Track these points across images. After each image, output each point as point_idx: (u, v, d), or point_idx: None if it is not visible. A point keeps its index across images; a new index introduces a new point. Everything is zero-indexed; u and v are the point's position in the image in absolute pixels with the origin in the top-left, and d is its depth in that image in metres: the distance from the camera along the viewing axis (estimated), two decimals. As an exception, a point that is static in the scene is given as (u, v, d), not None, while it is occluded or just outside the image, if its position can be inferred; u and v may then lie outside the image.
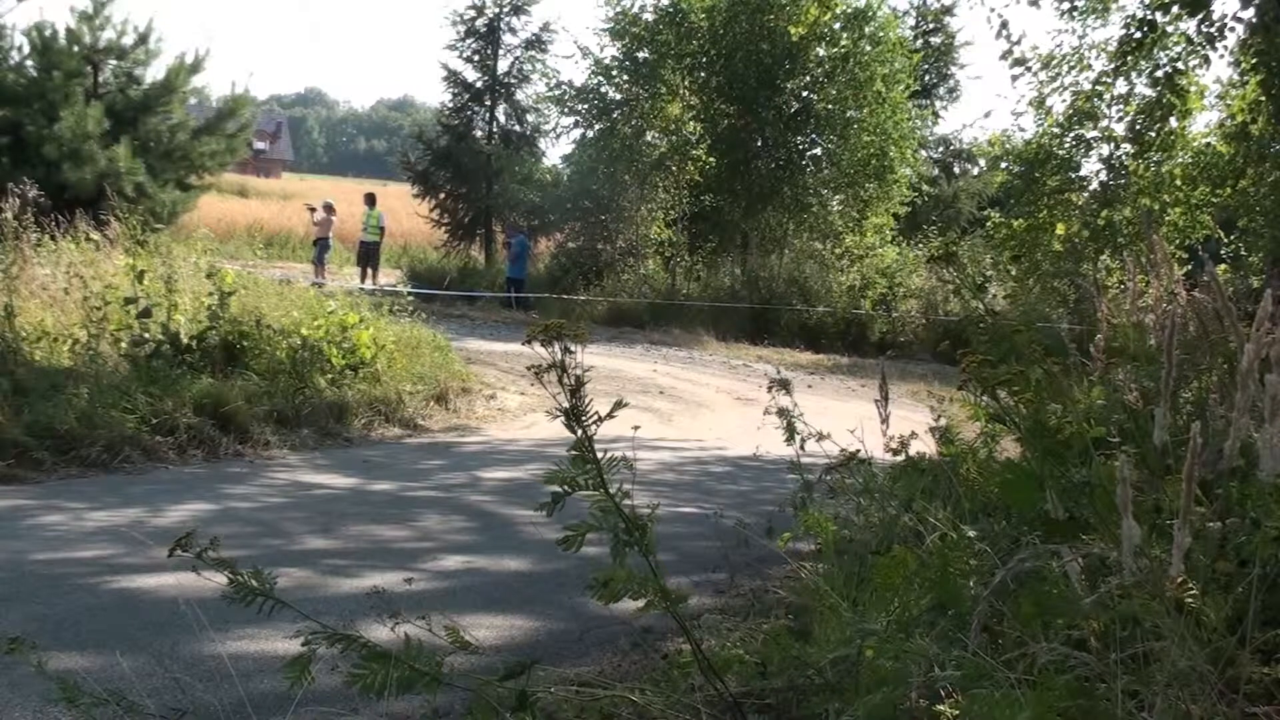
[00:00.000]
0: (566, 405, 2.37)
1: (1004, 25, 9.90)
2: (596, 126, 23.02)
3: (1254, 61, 8.73)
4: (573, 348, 2.36)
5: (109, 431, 7.12)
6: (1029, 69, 10.38)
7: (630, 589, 2.50)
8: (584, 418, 2.38)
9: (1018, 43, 9.96)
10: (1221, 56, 11.17)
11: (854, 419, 4.23)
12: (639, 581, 2.50)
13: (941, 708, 2.27)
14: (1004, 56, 10.11)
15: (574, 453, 2.42)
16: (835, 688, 2.62)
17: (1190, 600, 2.07)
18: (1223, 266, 11.66)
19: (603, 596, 2.51)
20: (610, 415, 2.39)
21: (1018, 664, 2.20)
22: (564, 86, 23.94)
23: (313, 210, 23.79)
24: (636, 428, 2.69)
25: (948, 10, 28.27)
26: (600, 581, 2.50)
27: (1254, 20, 8.60)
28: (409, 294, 11.97)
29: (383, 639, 2.63)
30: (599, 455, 2.42)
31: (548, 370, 2.34)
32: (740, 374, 14.51)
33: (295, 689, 2.47)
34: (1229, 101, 13.35)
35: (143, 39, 15.49)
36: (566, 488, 2.42)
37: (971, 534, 2.78)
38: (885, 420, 3.72)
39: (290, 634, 2.66)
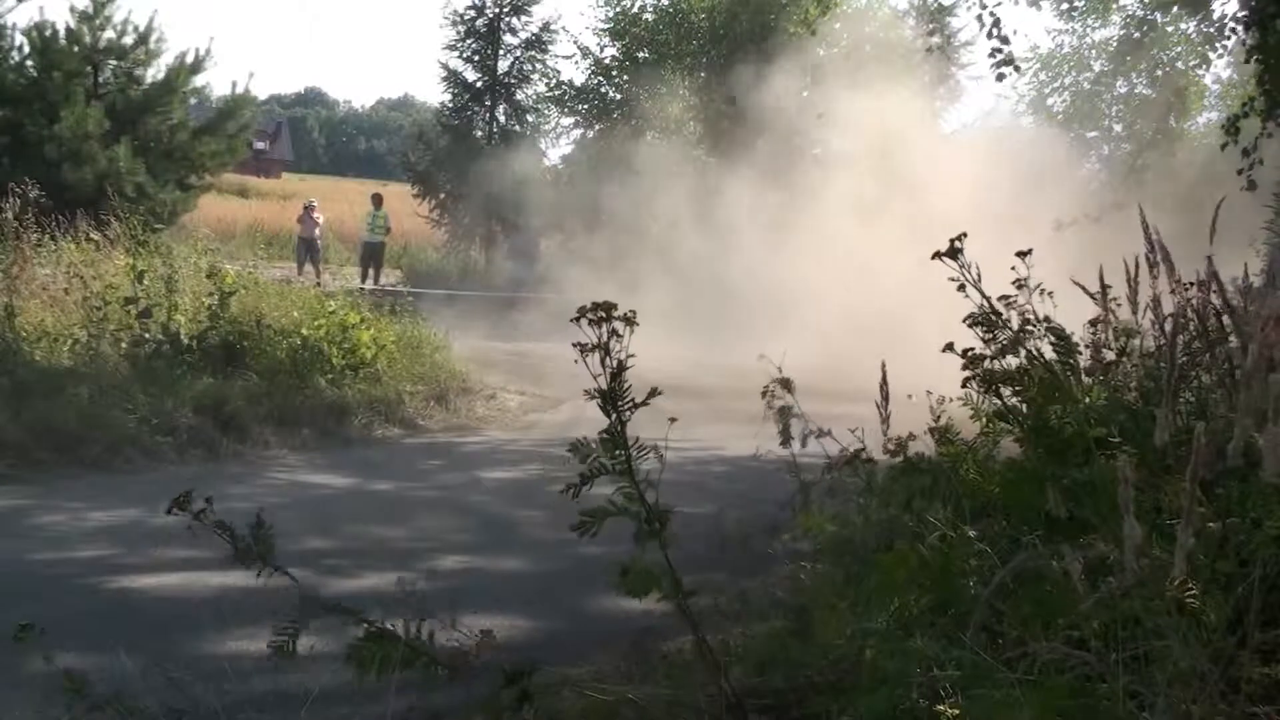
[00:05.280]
0: (605, 388, 2.34)
1: (996, 23, 9.83)
2: (596, 126, 23.01)
3: (1249, 56, 8.71)
4: (621, 331, 2.32)
5: (109, 431, 7.11)
6: (1016, 69, 10.27)
7: (653, 584, 2.48)
8: (620, 402, 2.35)
9: (1006, 41, 9.87)
10: (1221, 56, 11.14)
11: (855, 419, 4.22)
12: (656, 574, 2.48)
13: (941, 708, 2.26)
14: (992, 55, 9.99)
15: (605, 436, 2.38)
16: (835, 687, 2.62)
17: (1191, 600, 2.07)
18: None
19: (624, 588, 2.47)
20: (645, 402, 2.37)
21: (1018, 664, 2.20)
22: (564, 86, 23.93)
23: (309, 208, 23.77)
24: (673, 419, 2.65)
25: (947, 10, 28.26)
26: (622, 571, 2.48)
27: (1247, 17, 8.59)
28: (410, 293, 11.97)
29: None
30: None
31: (591, 350, 2.30)
32: (743, 372, 14.51)
33: (282, 654, 2.44)
34: (1228, 102, 13.37)
35: (143, 39, 15.48)
36: (592, 470, 2.38)
37: (971, 534, 2.78)
38: (885, 420, 3.71)
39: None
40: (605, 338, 2.30)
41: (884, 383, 3.79)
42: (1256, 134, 8.29)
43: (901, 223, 15.54)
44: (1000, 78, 9.87)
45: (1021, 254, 3.38)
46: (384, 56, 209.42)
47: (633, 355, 2.39)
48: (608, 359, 2.32)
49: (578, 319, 2.29)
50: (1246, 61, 8.96)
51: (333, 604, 2.43)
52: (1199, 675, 2.02)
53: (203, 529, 2.50)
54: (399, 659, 2.36)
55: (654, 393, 2.37)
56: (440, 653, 2.43)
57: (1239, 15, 8.88)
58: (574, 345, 2.34)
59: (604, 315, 2.29)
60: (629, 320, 2.31)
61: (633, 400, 2.37)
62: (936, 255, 2.97)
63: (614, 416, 2.36)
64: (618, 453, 2.38)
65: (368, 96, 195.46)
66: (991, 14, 9.58)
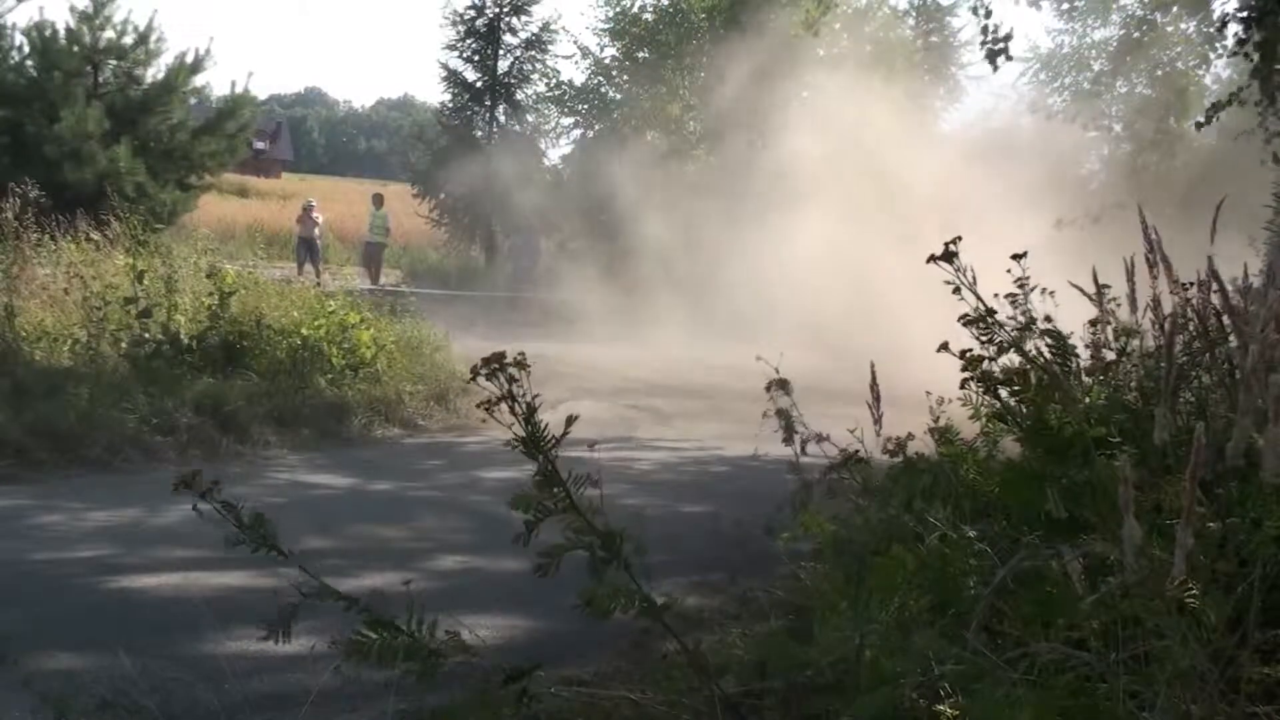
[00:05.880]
0: (523, 434, 2.35)
1: (989, 14, 9.83)
2: (597, 126, 23.03)
3: (1239, 48, 8.71)
4: (518, 376, 2.33)
5: (109, 431, 7.11)
6: (1009, 57, 10.28)
7: (618, 602, 2.49)
8: (543, 443, 2.35)
9: (1002, 38, 9.85)
10: (1221, 56, 11.14)
11: (853, 419, 4.22)
12: (625, 594, 2.49)
13: (941, 707, 2.27)
14: (983, 44, 9.99)
15: (539, 478, 2.39)
16: (835, 688, 2.62)
17: (1191, 600, 2.07)
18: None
19: (591, 613, 2.49)
20: (565, 433, 2.36)
21: (1018, 664, 2.20)
22: (564, 86, 23.95)
23: (308, 209, 23.77)
24: (593, 444, 2.70)
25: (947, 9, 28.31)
26: (585, 599, 2.50)
27: (1247, 15, 8.60)
28: (410, 293, 11.98)
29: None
30: (564, 476, 2.39)
31: (498, 402, 2.32)
32: (742, 372, 14.49)
33: (271, 641, 2.44)
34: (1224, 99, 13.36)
35: (143, 39, 15.50)
36: (536, 514, 2.39)
37: (971, 534, 2.78)
38: (878, 421, 3.71)
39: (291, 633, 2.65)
40: (506, 387, 2.30)
41: (874, 384, 3.79)
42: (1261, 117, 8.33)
43: (901, 222, 15.54)
44: (992, 61, 9.88)
45: (1017, 256, 3.38)
46: (384, 56, 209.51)
47: (538, 395, 2.36)
48: (515, 405, 2.32)
49: (473, 378, 2.30)
50: (1233, 54, 8.99)
51: (331, 590, 2.43)
52: (1199, 675, 2.02)
53: (203, 526, 2.50)
54: (400, 650, 2.36)
55: (571, 420, 2.37)
56: (442, 646, 2.43)
57: (1238, 14, 8.89)
58: (479, 406, 2.35)
59: (497, 366, 2.29)
60: (521, 364, 2.31)
61: (554, 438, 2.37)
62: (932, 259, 2.97)
63: (540, 458, 2.36)
64: (555, 490, 2.38)
65: (368, 96, 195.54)
66: (985, 6, 9.62)
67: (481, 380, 2.29)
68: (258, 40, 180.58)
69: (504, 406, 2.32)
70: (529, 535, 2.39)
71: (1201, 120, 8.79)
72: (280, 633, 2.45)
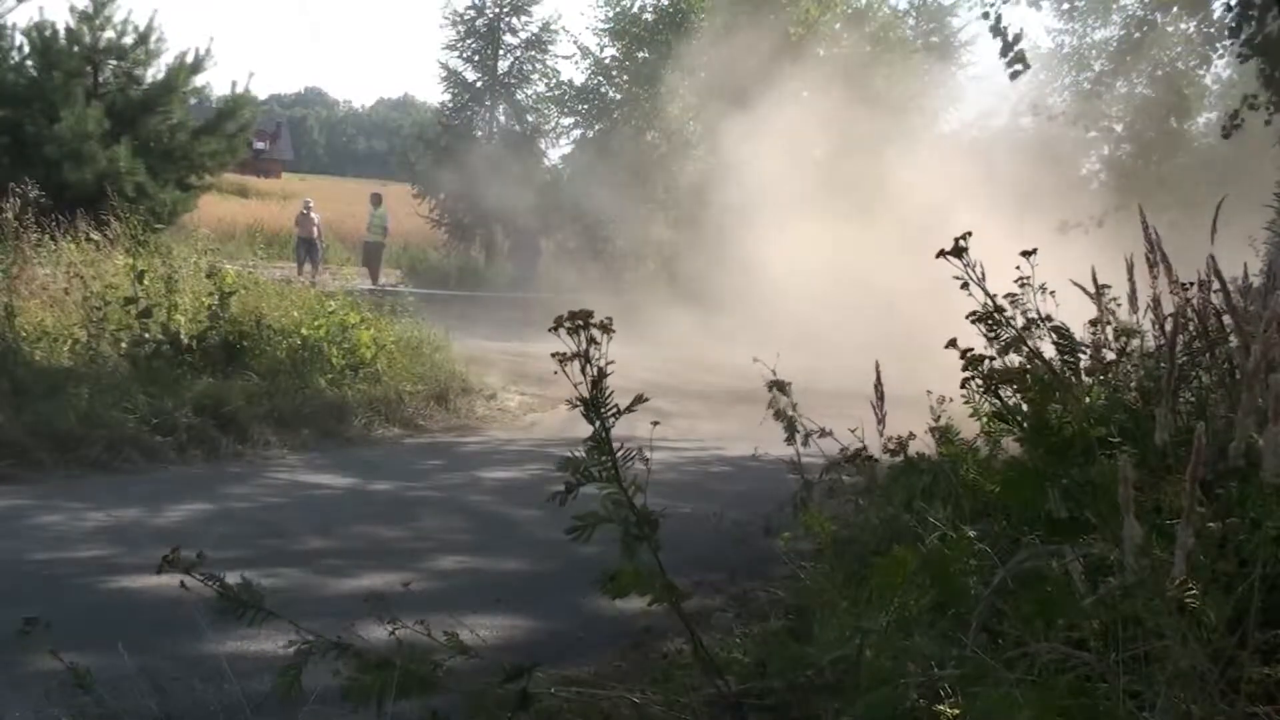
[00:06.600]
0: (587, 396, 2.35)
1: (998, 20, 9.81)
2: (597, 126, 23.04)
3: (1248, 43, 8.66)
4: (598, 338, 2.33)
5: (109, 431, 7.11)
6: (1027, 65, 10.25)
7: (638, 585, 2.49)
8: (604, 409, 2.35)
9: (1016, 42, 9.84)
10: (1221, 56, 11.15)
11: (854, 419, 4.22)
12: (645, 578, 2.49)
13: (942, 707, 2.26)
14: (1003, 54, 9.96)
15: (590, 443, 2.39)
16: (835, 688, 2.62)
17: (1191, 600, 2.07)
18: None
19: (610, 592, 2.49)
20: (630, 409, 2.37)
21: (1018, 664, 2.20)
22: (564, 86, 23.97)
23: (307, 209, 23.79)
24: (655, 423, 2.67)
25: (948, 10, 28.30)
26: (609, 576, 2.49)
27: (1249, 13, 8.58)
28: (410, 293, 11.98)
29: (382, 640, 2.62)
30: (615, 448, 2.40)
31: (571, 359, 2.31)
32: (742, 373, 14.48)
33: (286, 697, 2.47)
34: (1228, 102, 13.38)
35: (143, 39, 15.47)
36: (579, 477, 2.39)
37: (971, 534, 2.78)
38: (881, 420, 3.71)
39: (290, 634, 2.66)
40: (584, 345, 2.29)
41: (878, 383, 3.79)
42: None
43: (902, 224, 15.54)
44: (1014, 76, 9.87)
45: (1027, 253, 3.38)
46: (384, 56, 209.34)
47: (612, 362, 2.38)
48: (588, 367, 2.31)
49: (555, 328, 2.28)
50: (1239, 57, 9.00)
51: (330, 643, 2.45)
52: (1199, 675, 2.02)
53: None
54: (395, 688, 2.38)
55: (639, 399, 2.36)
56: (441, 679, 2.45)
57: (1245, 14, 8.87)
58: (553, 355, 2.33)
59: (581, 323, 2.28)
60: (605, 327, 2.30)
61: (616, 407, 2.36)
62: (941, 253, 2.97)
63: (598, 424, 2.36)
64: (603, 459, 2.37)
65: (368, 96, 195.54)
66: (997, 13, 9.61)
67: (563, 334, 2.27)
68: (258, 40, 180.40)
69: (571, 365, 2.31)
70: (565, 496, 2.39)
71: (1224, 129, 8.79)
72: (293, 689, 2.51)
